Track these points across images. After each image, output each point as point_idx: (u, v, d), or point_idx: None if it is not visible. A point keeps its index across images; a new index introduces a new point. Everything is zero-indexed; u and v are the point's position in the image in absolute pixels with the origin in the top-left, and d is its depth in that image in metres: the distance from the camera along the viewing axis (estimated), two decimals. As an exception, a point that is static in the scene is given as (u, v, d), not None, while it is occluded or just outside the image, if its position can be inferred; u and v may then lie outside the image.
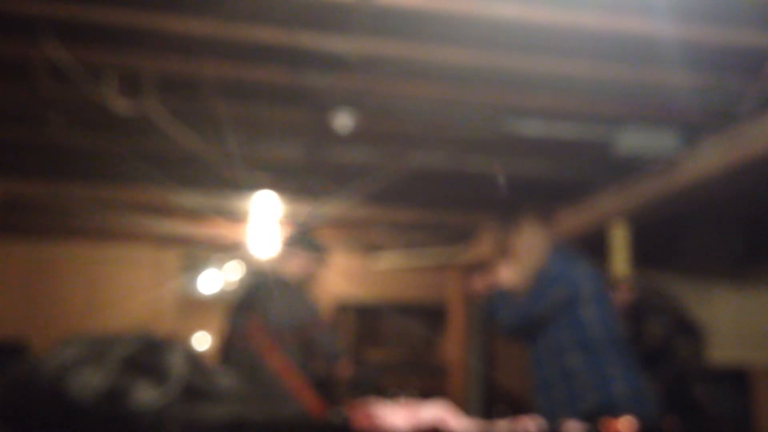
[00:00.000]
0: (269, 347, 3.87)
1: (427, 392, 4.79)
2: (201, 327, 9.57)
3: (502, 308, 3.33)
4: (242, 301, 4.17)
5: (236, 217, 5.76)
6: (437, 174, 4.81)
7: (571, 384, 3.08)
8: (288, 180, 4.95)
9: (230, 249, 7.05)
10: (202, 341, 9.63)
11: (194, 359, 1.40)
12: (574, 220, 5.24)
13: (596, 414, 2.73)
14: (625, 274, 4.52)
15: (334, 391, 4.10)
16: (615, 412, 2.76)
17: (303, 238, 4.26)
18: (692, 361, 3.99)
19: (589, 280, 3.20)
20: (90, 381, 1.25)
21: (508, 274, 3.36)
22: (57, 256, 7.01)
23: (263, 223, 5.80)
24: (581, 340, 3.11)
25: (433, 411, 2.05)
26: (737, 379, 5.78)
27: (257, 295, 4.10)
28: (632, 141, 3.92)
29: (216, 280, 8.36)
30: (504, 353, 7.11)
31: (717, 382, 4.15)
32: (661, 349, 3.94)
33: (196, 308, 9.08)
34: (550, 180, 4.75)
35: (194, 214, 5.78)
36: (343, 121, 3.63)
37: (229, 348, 4.06)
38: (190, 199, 5.33)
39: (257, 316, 3.96)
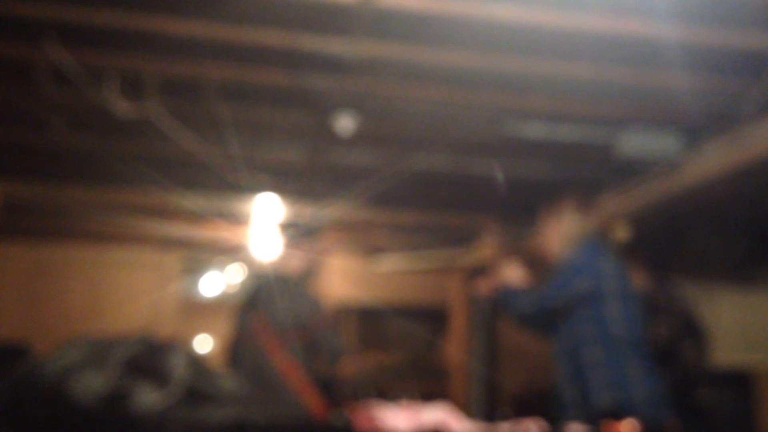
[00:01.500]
0: (274, 346, 3.88)
1: (429, 395, 4.79)
2: (203, 329, 9.58)
3: (517, 297, 3.27)
4: (247, 302, 4.18)
5: (238, 220, 5.76)
6: (439, 176, 4.81)
7: (587, 380, 3.04)
8: (290, 182, 4.95)
9: (232, 251, 7.05)
10: (204, 344, 9.63)
11: (196, 362, 1.40)
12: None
13: (613, 413, 2.71)
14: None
15: (336, 391, 4.10)
16: (632, 414, 2.73)
17: (304, 230, 4.27)
18: (697, 364, 3.98)
19: (615, 277, 3.15)
20: (92, 383, 1.25)
21: (514, 274, 3.35)
22: (58, 259, 7.01)
23: (265, 226, 5.80)
24: (602, 336, 3.05)
25: (435, 413, 2.05)
26: (740, 381, 5.77)
27: (261, 295, 4.11)
28: (634, 143, 3.92)
29: (218, 282, 8.37)
30: (506, 355, 7.09)
31: (720, 385, 4.14)
32: (667, 351, 3.92)
33: (197, 311, 9.09)
34: (552, 182, 4.75)
35: (196, 217, 5.78)
36: (345, 123, 3.63)
37: (236, 348, 4.07)
38: (191, 201, 5.32)
39: (261, 316, 3.96)
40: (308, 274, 4.21)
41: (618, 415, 2.64)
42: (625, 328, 3.08)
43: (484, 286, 3.52)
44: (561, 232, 3.28)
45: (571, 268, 3.17)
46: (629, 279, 3.27)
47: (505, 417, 2.83)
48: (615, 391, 2.99)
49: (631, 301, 3.18)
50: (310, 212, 5.33)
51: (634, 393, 2.99)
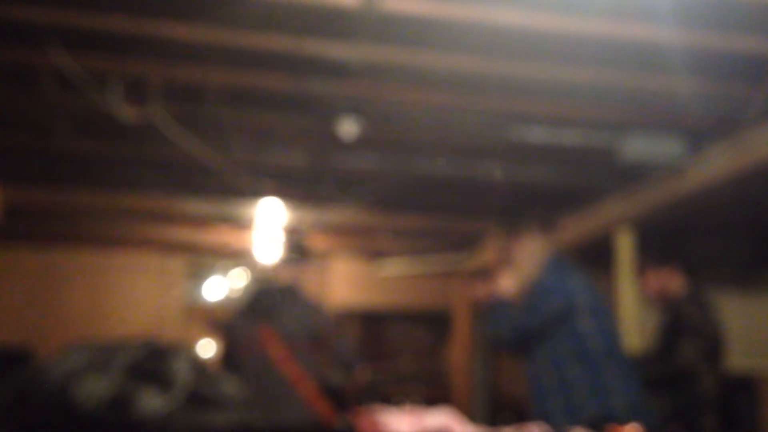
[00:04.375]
0: (284, 357, 3.84)
1: (432, 399, 4.79)
2: (206, 334, 9.57)
3: (498, 322, 3.31)
4: (248, 310, 4.13)
5: (241, 224, 5.77)
6: (442, 181, 4.81)
7: (569, 395, 3.07)
8: (293, 187, 4.95)
9: (235, 256, 7.06)
10: (207, 348, 9.63)
11: (199, 366, 1.40)
12: (579, 226, 5.23)
13: (594, 425, 2.72)
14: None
15: (347, 399, 4.09)
16: (615, 422, 2.74)
17: (291, 245, 4.26)
18: (711, 392, 3.91)
19: (585, 291, 3.18)
20: (95, 388, 1.25)
21: (509, 283, 3.35)
22: (62, 263, 7.02)
23: (268, 230, 5.80)
24: (579, 351, 3.09)
25: (438, 418, 2.05)
26: (744, 386, 5.75)
27: (264, 304, 4.07)
28: (637, 147, 3.91)
29: (221, 287, 8.36)
30: (509, 360, 7.09)
31: (725, 390, 4.09)
32: (691, 372, 3.86)
33: (201, 315, 9.08)
34: (555, 187, 4.75)
35: (199, 221, 5.78)
36: (348, 127, 3.63)
37: (237, 358, 4.02)
38: (195, 206, 5.33)
39: (268, 326, 3.92)
40: (301, 281, 4.18)
41: (602, 424, 2.65)
42: (600, 341, 3.11)
43: (480, 291, 3.52)
44: (525, 255, 3.30)
45: (541, 289, 3.19)
46: (599, 292, 3.28)
47: (508, 421, 2.82)
48: (597, 404, 3.01)
49: (604, 313, 3.21)
50: (306, 220, 5.34)
51: (617, 403, 3.02)
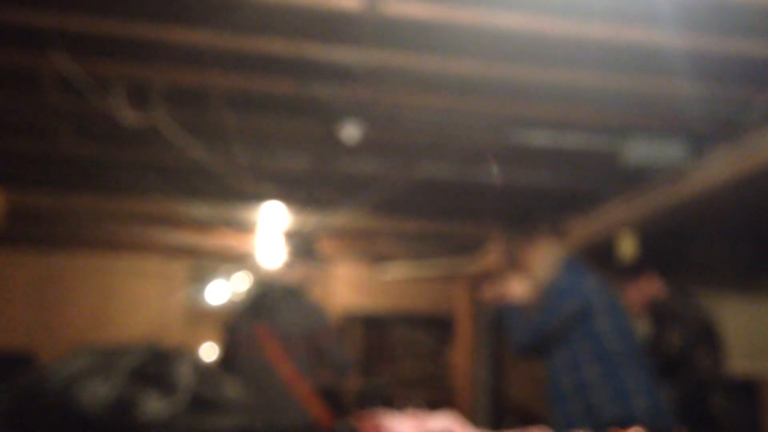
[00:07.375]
0: (279, 356, 3.86)
1: (434, 403, 4.78)
2: (209, 338, 9.58)
3: (515, 327, 3.30)
4: (248, 310, 4.15)
5: (244, 228, 5.77)
6: (444, 184, 4.81)
7: (589, 396, 3.06)
8: (295, 191, 4.96)
9: (238, 260, 7.07)
10: (210, 352, 9.63)
11: (202, 370, 1.40)
12: (581, 230, 5.23)
13: (617, 426, 2.71)
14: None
15: (341, 401, 4.09)
16: (636, 425, 2.73)
17: (301, 247, 4.27)
18: (710, 372, 3.94)
19: (600, 292, 3.18)
20: (98, 392, 1.25)
21: (519, 287, 3.35)
22: (65, 267, 7.03)
23: (271, 234, 5.80)
24: (598, 352, 3.08)
25: (441, 421, 2.05)
26: (747, 389, 5.75)
27: (264, 304, 4.09)
28: (639, 151, 3.91)
29: (224, 290, 8.37)
30: (512, 364, 7.09)
31: (728, 393, 4.10)
32: (681, 358, 3.89)
33: (203, 319, 9.09)
34: (557, 190, 4.75)
35: (202, 225, 5.79)
36: (351, 131, 3.64)
37: (234, 356, 4.04)
38: (198, 210, 5.34)
39: (265, 325, 3.94)
40: (308, 284, 4.19)
41: (622, 426, 2.64)
42: (618, 341, 3.10)
43: (489, 294, 3.51)
44: (538, 259, 3.31)
45: (556, 291, 3.19)
46: (614, 292, 3.28)
47: (511, 425, 2.82)
48: (617, 405, 3.00)
49: (620, 314, 3.21)
50: (310, 223, 5.34)
51: (636, 404, 3.00)
